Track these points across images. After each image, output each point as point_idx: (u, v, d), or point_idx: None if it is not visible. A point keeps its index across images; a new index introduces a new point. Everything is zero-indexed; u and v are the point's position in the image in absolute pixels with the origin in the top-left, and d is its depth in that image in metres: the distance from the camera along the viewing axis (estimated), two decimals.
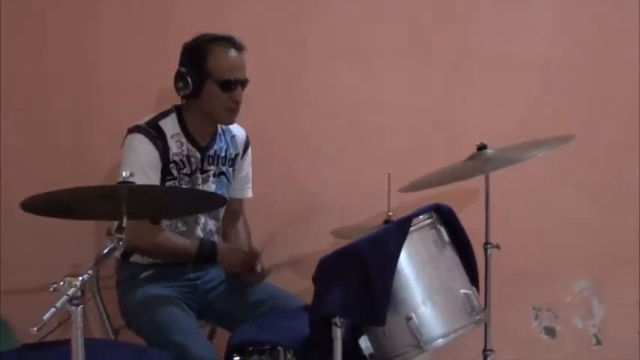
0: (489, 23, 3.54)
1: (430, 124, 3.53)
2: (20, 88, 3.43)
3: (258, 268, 2.94)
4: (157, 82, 3.31)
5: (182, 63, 2.92)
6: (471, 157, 2.84)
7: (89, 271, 1.99)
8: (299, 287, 3.13)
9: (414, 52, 3.53)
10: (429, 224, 2.40)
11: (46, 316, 1.81)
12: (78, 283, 1.91)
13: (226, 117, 2.95)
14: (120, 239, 2.13)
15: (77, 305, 1.92)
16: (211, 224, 3.04)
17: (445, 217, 2.44)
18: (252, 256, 2.94)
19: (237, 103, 2.91)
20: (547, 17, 3.54)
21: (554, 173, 3.49)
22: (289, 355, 2.53)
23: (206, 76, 2.87)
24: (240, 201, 3.21)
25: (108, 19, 3.44)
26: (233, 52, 2.91)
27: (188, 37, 2.94)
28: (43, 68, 3.44)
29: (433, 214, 2.42)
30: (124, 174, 2.18)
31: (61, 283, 1.91)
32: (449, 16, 3.53)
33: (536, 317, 3.60)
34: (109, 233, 2.25)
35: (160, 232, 2.89)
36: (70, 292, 1.89)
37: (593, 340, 3.60)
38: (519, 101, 3.54)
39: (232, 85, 2.88)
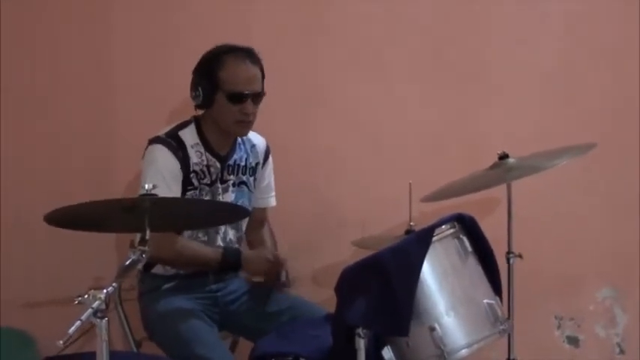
0: (507, 33, 3.54)
1: (449, 134, 3.53)
2: (37, 100, 3.44)
3: (283, 276, 2.95)
4: (175, 93, 3.31)
5: (195, 72, 2.93)
6: (493, 166, 2.83)
7: (113, 284, 1.99)
8: (320, 298, 3.13)
9: (432, 61, 3.53)
10: (451, 234, 2.38)
11: (71, 330, 1.81)
12: (102, 296, 1.91)
13: (237, 129, 2.94)
14: (143, 251, 2.13)
15: (102, 318, 1.92)
16: (231, 234, 3.04)
17: (468, 226, 2.42)
18: (277, 265, 2.93)
19: (248, 115, 2.89)
20: (564, 26, 3.54)
21: (577, 182, 3.48)
22: None
23: (217, 87, 2.86)
24: (263, 210, 3.20)
25: (126, 29, 3.45)
26: (245, 65, 2.88)
27: (206, 47, 2.94)
28: (61, 80, 3.45)
29: (455, 223, 2.40)
30: (146, 186, 2.18)
31: (86, 296, 1.91)
32: (467, 26, 3.52)
33: (559, 326, 3.58)
34: (132, 246, 2.25)
35: (182, 242, 2.89)
36: (95, 304, 1.89)
37: (617, 349, 3.58)
38: (537, 110, 3.53)
39: (242, 97, 2.86)
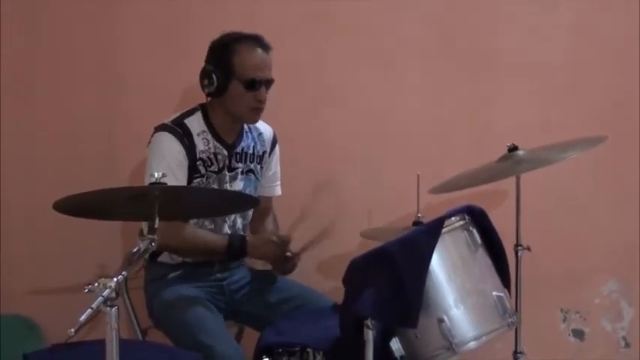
0: (515, 24, 3.52)
1: (457, 126, 3.51)
2: (44, 88, 3.44)
3: (288, 254, 2.93)
4: (181, 81, 3.32)
5: (208, 60, 2.92)
6: (503, 158, 2.82)
7: (123, 272, 1.98)
8: (326, 288, 3.12)
9: (440, 52, 3.52)
10: (461, 226, 2.38)
11: (82, 317, 1.80)
12: (112, 285, 1.90)
13: (250, 116, 2.95)
14: (152, 240, 2.12)
15: (112, 306, 1.91)
16: (239, 222, 3.03)
17: (477, 218, 2.42)
18: (283, 244, 2.91)
19: (261, 102, 2.90)
20: (573, 17, 3.52)
21: (584, 175, 3.47)
22: (319, 357, 2.51)
23: (231, 74, 2.86)
24: (269, 199, 3.19)
25: (132, 17, 3.44)
26: (259, 52, 2.90)
27: (212, 36, 2.94)
28: (68, 68, 3.45)
29: (465, 215, 2.40)
30: (155, 174, 2.17)
31: (96, 284, 1.90)
32: (475, 16, 3.51)
33: (565, 319, 3.58)
34: (141, 234, 2.24)
35: (188, 230, 2.88)
36: (105, 293, 1.88)
37: (622, 343, 3.58)
38: (544, 102, 3.51)
39: (257, 84, 2.87)
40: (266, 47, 2.92)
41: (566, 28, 3.52)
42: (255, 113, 2.93)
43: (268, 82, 2.91)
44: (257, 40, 2.90)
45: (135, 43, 3.45)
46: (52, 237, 3.35)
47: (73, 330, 1.78)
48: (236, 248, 2.89)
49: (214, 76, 2.86)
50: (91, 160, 3.44)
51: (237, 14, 3.40)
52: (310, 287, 3.05)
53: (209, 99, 2.95)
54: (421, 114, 3.50)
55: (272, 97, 2.96)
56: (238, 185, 2.99)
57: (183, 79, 3.20)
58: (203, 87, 2.91)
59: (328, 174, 3.46)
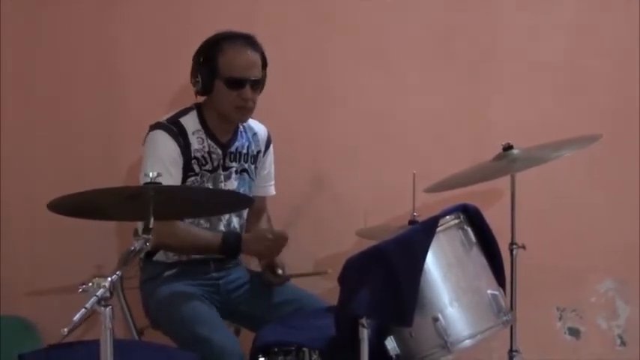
0: (513, 23, 3.53)
1: (453, 125, 3.52)
2: (44, 88, 3.45)
3: (279, 271, 2.95)
4: (181, 81, 3.31)
5: (196, 59, 2.93)
6: (498, 157, 2.83)
7: (117, 272, 1.99)
8: (323, 288, 3.13)
9: (440, 52, 3.52)
10: (455, 225, 2.38)
11: (76, 317, 1.80)
12: (107, 284, 1.90)
13: (236, 115, 2.93)
14: (147, 240, 2.13)
15: (106, 306, 1.92)
16: (235, 221, 3.03)
17: (472, 217, 2.42)
18: (279, 241, 2.90)
19: (246, 101, 2.88)
20: (570, 17, 3.52)
21: (580, 174, 3.48)
22: (314, 356, 2.52)
23: (216, 73, 2.86)
24: (263, 198, 3.19)
25: (131, 18, 3.45)
26: (244, 51, 2.88)
27: (210, 35, 2.94)
28: (68, 68, 3.46)
29: (460, 214, 2.40)
30: (150, 174, 2.18)
31: (90, 284, 1.91)
32: (475, 16, 3.51)
33: (561, 318, 3.59)
34: (136, 234, 2.25)
35: (183, 227, 2.88)
36: (99, 292, 1.89)
37: (618, 341, 3.58)
38: (542, 102, 3.52)
39: (241, 83, 2.85)
40: (254, 46, 2.90)
41: (566, 28, 3.53)
42: (242, 112, 2.91)
43: (255, 82, 2.88)
44: (245, 39, 2.89)
45: (134, 43, 3.46)
46: (52, 237, 3.36)
47: (66, 330, 1.79)
48: (230, 245, 2.89)
49: (199, 75, 2.88)
50: (91, 160, 3.45)
51: (237, 14, 3.41)
52: (307, 292, 3.03)
53: (198, 97, 2.96)
54: (418, 113, 3.50)
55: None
56: (232, 184, 2.99)
57: (183, 79, 3.19)
58: (192, 85, 2.92)
59: (325, 173, 3.47)
